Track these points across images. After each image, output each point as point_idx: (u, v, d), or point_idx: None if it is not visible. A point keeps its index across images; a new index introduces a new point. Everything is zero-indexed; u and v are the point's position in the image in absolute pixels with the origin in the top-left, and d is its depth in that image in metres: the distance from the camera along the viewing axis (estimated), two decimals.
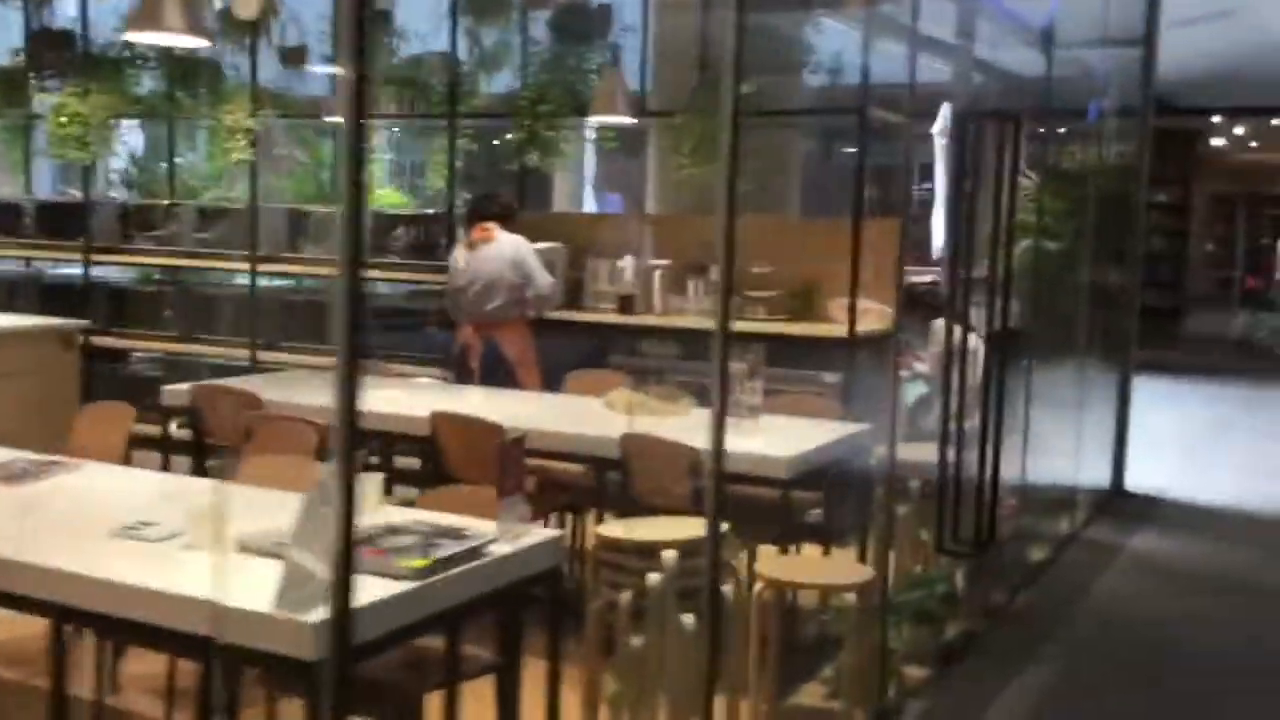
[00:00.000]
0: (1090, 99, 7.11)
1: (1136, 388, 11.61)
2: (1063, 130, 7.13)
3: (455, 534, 2.57)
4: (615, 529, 3.40)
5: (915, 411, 5.72)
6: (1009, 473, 5.48)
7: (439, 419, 4.30)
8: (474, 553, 2.52)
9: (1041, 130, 7.69)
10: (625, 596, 3.07)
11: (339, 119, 1.61)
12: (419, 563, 2.38)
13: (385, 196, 8.04)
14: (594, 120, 6.04)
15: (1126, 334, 7.24)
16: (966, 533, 4.59)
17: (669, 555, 3.07)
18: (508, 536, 2.70)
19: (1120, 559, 5.80)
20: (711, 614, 2.69)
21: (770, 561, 3.85)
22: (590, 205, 10.87)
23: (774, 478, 3.98)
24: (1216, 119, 16.29)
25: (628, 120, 6.02)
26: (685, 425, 4.50)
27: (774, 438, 4.21)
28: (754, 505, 4.22)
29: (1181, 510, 6.86)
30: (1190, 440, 9.09)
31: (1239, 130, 18.14)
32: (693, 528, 3.57)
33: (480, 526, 2.72)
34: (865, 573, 3.69)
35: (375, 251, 7.14)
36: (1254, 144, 20.26)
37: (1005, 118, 4.39)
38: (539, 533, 2.83)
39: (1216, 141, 19.38)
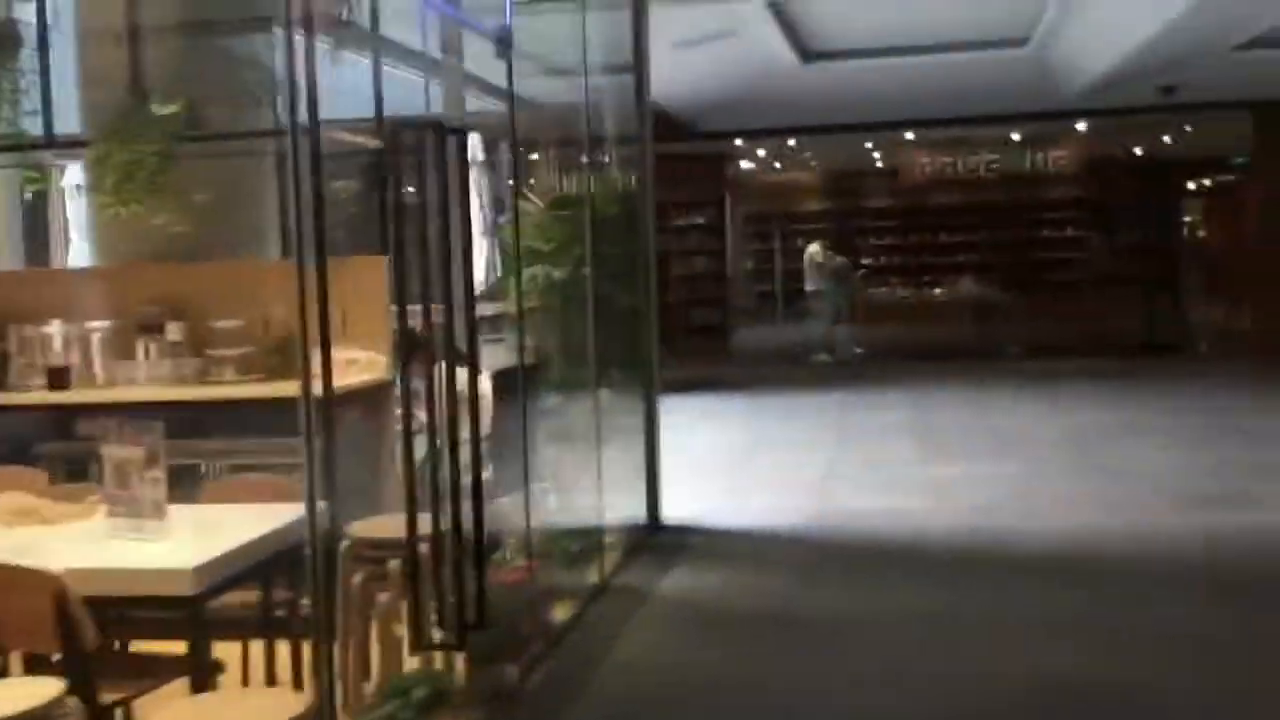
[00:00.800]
0: (593, 124, 6.79)
1: (683, 409, 11.66)
2: (580, 157, 6.75)
3: None
4: None
5: (424, 471, 5.02)
6: (523, 527, 4.91)
7: None
8: None
9: (536, 155, 7.33)
10: None
11: None
12: None
13: None
14: None
15: (647, 358, 6.92)
16: (467, 613, 3.90)
17: None
18: None
19: (649, 606, 5.37)
20: None
21: (176, 707, 2.95)
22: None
23: (178, 595, 3.08)
24: (740, 142, 17.02)
25: None
26: (82, 534, 3.52)
27: (187, 540, 3.32)
28: (162, 630, 3.33)
29: (717, 539, 6.60)
30: (731, 459, 9.05)
31: (763, 152, 19.17)
32: (41, 689, 2.62)
33: None
34: (295, 705, 2.88)
35: None
36: (778, 164, 21.60)
37: (444, 130, 3.75)
38: None
39: (746, 163, 20.45)
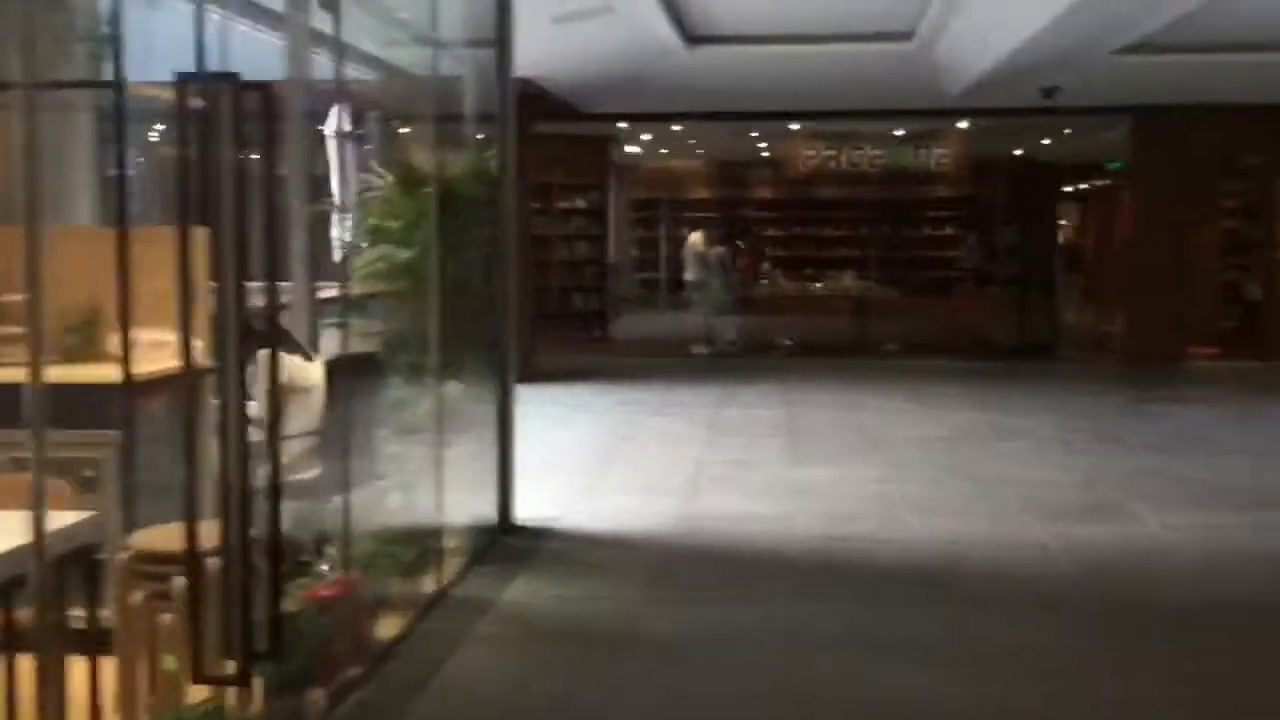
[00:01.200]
0: (454, 96, 6.36)
1: (555, 399, 11.27)
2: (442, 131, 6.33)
3: None
4: None
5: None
6: (349, 532, 4.46)
7: None
8: None
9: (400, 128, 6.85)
10: None
11: None
12: None
13: None
14: None
15: (504, 347, 6.49)
16: (257, 640, 3.44)
17: None
18: None
19: (488, 620, 4.95)
20: None
21: None
22: None
23: None
24: (625, 125, 16.62)
25: None
26: None
27: None
28: None
29: (572, 543, 6.21)
30: (598, 454, 8.68)
31: (649, 137, 18.82)
32: None
33: None
34: None
35: None
36: (664, 151, 21.28)
37: (241, 86, 3.26)
38: None
39: (632, 148, 20.07)
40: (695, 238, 16.33)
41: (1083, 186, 21.13)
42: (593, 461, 8.35)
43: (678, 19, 10.67)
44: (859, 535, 6.33)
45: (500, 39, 6.58)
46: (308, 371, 5.22)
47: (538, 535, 6.27)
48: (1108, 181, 19.04)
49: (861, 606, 5.20)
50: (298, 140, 5.94)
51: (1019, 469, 8.07)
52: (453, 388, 5.78)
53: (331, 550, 4.38)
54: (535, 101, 12.88)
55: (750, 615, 5.07)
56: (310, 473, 5.06)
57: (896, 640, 4.77)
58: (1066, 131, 17.10)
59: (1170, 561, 5.92)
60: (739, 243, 16.43)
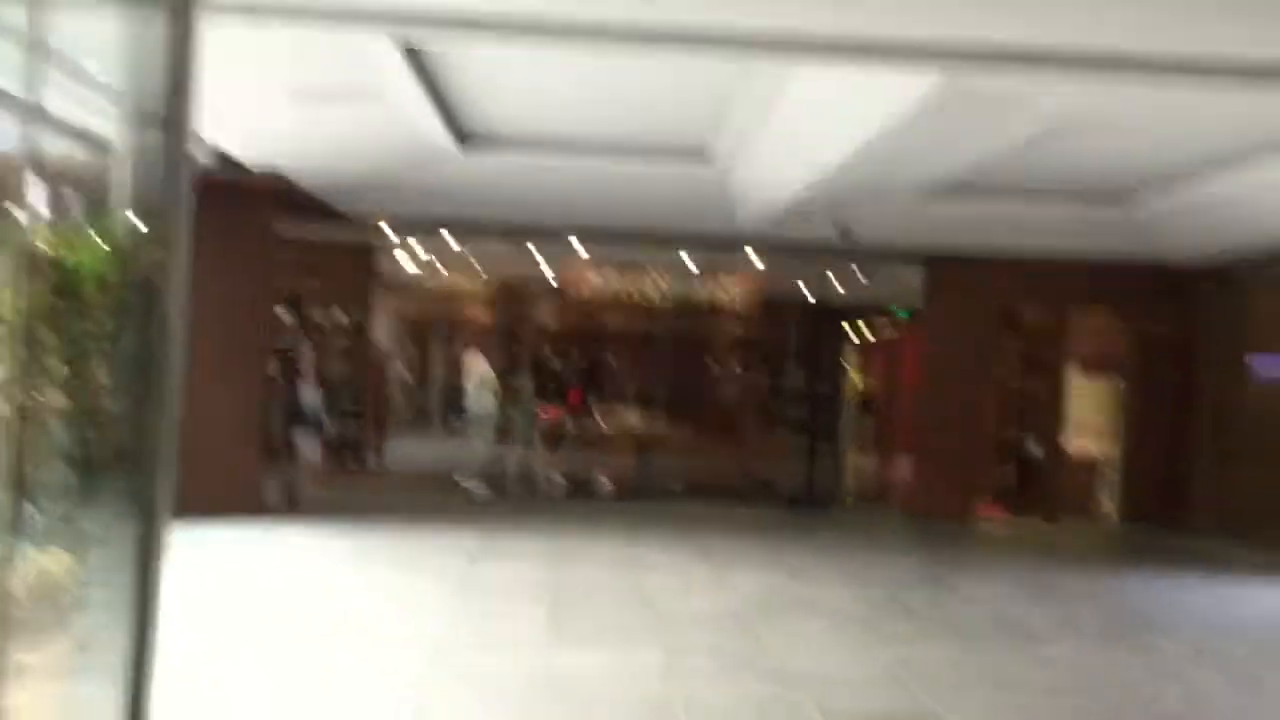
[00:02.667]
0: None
1: (273, 547, 9.43)
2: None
3: None
4: None
5: None
6: None
7: None
8: None
9: None
10: None
11: None
12: None
13: None
14: None
15: (149, 501, 4.75)
16: None
17: None
18: None
19: None
20: None
21: None
22: None
23: None
24: (394, 234, 15.10)
25: None
26: None
27: None
28: None
29: None
30: (309, 633, 6.93)
31: (424, 251, 17.31)
32: None
33: None
34: None
35: None
36: (440, 267, 19.77)
37: None
38: None
39: (406, 263, 18.50)
40: (478, 365, 14.81)
41: (873, 331, 20.79)
42: (295, 649, 6.59)
43: (449, 116, 9.37)
44: None
45: (171, 119, 5.01)
46: None
47: None
48: (897, 329, 18.66)
49: None
50: None
51: (818, 660, 6.80)
52: (53, 557, 4.08)
53: None
54: (281, 198, 11.25)
55: None
56: None
57: None
58: (860, 277, 16.57)
59: None
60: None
